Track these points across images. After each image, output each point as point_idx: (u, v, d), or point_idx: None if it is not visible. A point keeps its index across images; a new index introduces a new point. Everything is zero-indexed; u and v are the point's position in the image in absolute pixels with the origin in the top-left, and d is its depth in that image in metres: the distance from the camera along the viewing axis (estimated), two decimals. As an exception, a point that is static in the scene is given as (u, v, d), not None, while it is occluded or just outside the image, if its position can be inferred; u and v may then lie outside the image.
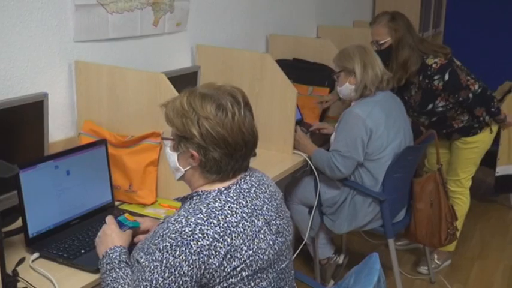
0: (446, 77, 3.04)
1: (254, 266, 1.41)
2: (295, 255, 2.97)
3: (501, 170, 4.15)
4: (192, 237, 1.35)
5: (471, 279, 3.40)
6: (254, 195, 1.50)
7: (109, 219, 1.69)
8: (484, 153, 3.39)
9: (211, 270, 1.36)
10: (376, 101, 2.75)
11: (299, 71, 3.44)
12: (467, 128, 3.23)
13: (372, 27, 3.21)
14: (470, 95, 3.07)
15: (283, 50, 3.56)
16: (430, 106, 3.18)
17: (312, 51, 3.51)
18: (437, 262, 3.45)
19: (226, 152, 1.44)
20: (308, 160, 2.79)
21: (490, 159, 4.21)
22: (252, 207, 1.47)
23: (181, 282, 1.34)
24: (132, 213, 1.85)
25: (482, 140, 3.28)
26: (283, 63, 3.07)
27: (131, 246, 1.62)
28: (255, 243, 1.43)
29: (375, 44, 3.16)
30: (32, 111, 1.93)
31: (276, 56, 3.34)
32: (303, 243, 2.99)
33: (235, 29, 3.28)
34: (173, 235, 1.35)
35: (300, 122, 3.12)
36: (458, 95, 3.07)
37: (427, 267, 3.37)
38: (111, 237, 1.61)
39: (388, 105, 2.79)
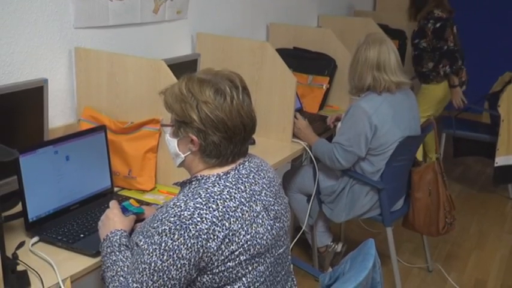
0: (438, 25, 4.05)
1: (252, 250, 1.43)
2: (293, 243, 2.99)
3: (500, 160, 4.16)
4: (190, 221, 1.36)
5: (468, 268, 3.42)
6: (253, 181, 1.51)
7: (112, 203, 1.71)
8: (433, 106, 4.21)
9: (209, 254, 1.37)
10: (385, 97, 2.70)
11: (299, 60, 3.43)
12: (426, 75, 4.18)
13: None
14: (445, 47, 4.05)
15: (283, 38, 3.56)
16: (416, 40, 4.16)
17: (312, 40, 3.51)
18: None
19: (226, 135, 1.45)
20: (307, 149, 2.80)
21: (489, 149, 4.23)
22: (251, 192, 1.48)
23: (179, 265, 1.35)
24: (138, 201, 1.86)
25: (433, 89, 4.19)
26: (283, 52, 3.06)
27: (133, 231, 1.63)
28: (253, 228, 1.44)
29: None
30: (32, 97, 1.93)
31: (277, 44, 3.33)
32: (301, 231, 3.00)
33: (236, 17, 3.28)
34: (172, 219, 1.37)
35: (299, 111, 3.12)
36: (438, 41, 4.06)
37: None
38: (113, 221, 1.62)
39: (398, 101, 2.73)
